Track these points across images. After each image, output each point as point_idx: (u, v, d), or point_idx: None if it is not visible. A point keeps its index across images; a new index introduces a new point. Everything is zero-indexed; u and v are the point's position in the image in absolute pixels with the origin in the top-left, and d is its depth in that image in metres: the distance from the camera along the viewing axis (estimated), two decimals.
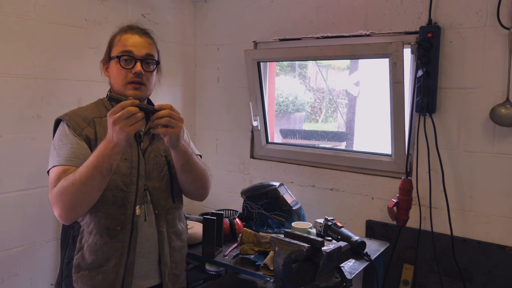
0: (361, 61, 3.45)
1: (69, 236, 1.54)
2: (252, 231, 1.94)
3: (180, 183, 1.62)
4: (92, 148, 1.47)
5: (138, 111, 1.30)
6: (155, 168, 1.57)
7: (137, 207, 1.50)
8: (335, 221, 2.13)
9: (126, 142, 1.33)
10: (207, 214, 2.57)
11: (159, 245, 1.57)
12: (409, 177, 2.12)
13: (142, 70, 1.50)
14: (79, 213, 1.43)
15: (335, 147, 3.00)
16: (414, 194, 2.10)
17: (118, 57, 1.50)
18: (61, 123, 1.53)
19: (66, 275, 1.52)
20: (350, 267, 1.86)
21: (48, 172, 1.46)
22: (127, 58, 1.50)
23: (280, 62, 3.08)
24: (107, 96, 1.37)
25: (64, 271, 1.53)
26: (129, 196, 1.49)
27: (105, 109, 1.56)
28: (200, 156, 1.72)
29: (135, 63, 1.50)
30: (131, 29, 1.57)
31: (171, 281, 1.61)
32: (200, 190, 1.68)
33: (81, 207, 1.39)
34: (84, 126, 1.51)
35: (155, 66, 1.56)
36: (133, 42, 1.52)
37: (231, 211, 2.59)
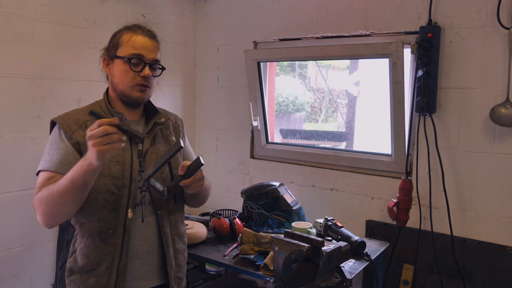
0: (361, 61, 3.44)
1: (64, 239, 1.54)
2: (252, 231, 1.94)
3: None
4: (82, 152, 1.43)
5: (115, 131, 1.23)
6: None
7: (129, 210, 1.47)
8: (335, 221, 2.13)
9: (99, 162, 1.26)
10: (207, 214, 2.59)
11: (163, 246, 1.55)
12: (409, 177, 2.12)
13: (150, 74, 1.51)
14: (58, 222, 1.44)
15: (335, 147, 3.00)
16: (414, 194, 2.10)
17: (129, 59, 1.49)
18: (55, 126, 1.50)
19: (59, 278, 1.52)
20: (350, 267, 1.86)
21: (37, 173, 1.45)
22: (137, 61, 1.50)
23: (280, 62, 3.08)
24: (104, 97, 1.35)
25: (58, 274, 1.53)
26: (122, 199, 1.47)
27: (101, 111, 1.54)
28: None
29: (143, 66, 1.50)
30: (140, 29, 1.54)
31: (177, 284, 1.60)
32: (201, 203, 1.77)
33: (59, 216, 1.40)
34: (75, 129, 1.47)
35: (160, 71, 1.58)
36: (144, 45, 1.51)
37: (231, 211, 2.59)
